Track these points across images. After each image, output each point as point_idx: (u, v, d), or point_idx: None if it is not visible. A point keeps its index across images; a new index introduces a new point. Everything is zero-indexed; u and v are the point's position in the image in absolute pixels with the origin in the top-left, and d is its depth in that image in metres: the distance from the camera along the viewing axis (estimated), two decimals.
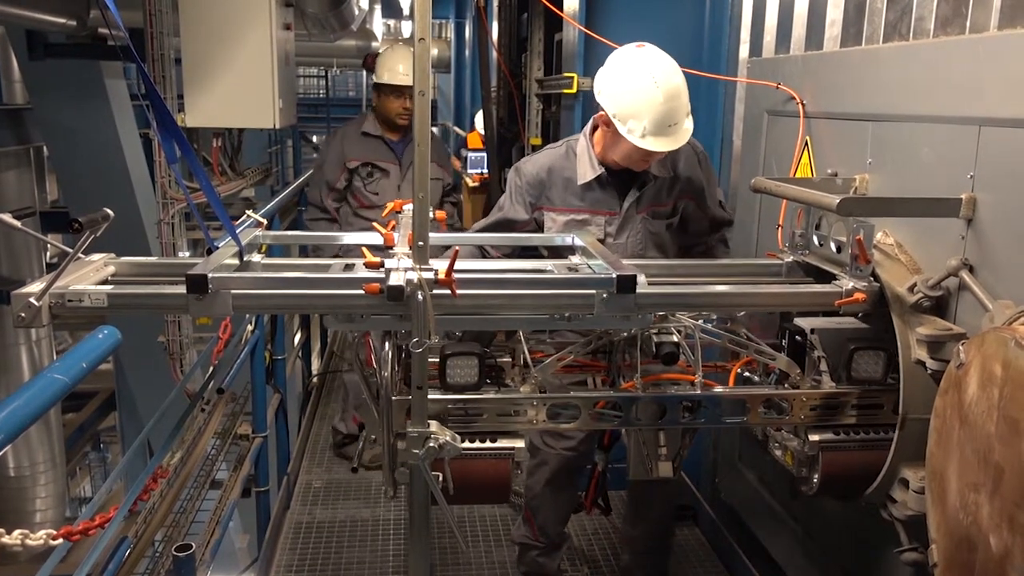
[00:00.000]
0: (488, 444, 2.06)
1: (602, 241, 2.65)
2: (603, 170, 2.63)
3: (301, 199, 5.98)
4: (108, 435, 12.68)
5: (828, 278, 2.18)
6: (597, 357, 2.30)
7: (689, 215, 2.81)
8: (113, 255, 2.13)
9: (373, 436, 2.12)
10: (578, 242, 2.33)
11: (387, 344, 2.06)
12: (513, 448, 2.06)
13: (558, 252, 2.54)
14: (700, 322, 2.20)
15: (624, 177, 2.68)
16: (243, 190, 5.23)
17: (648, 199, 2.69)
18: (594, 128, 2.68)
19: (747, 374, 2.27)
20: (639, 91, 2.45)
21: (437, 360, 2.07)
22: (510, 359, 2.23)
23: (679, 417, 2.14)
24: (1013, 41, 1.83)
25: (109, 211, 1.87)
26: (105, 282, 2.01)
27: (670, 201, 2.74)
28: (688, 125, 2.52)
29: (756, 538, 3.16)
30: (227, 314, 1.93)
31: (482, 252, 2.73)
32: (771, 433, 2.29)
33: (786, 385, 2.16)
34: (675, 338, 2.15)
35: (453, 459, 2.00)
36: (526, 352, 2.23)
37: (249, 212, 2.58)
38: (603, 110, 2.54)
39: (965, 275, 1.92)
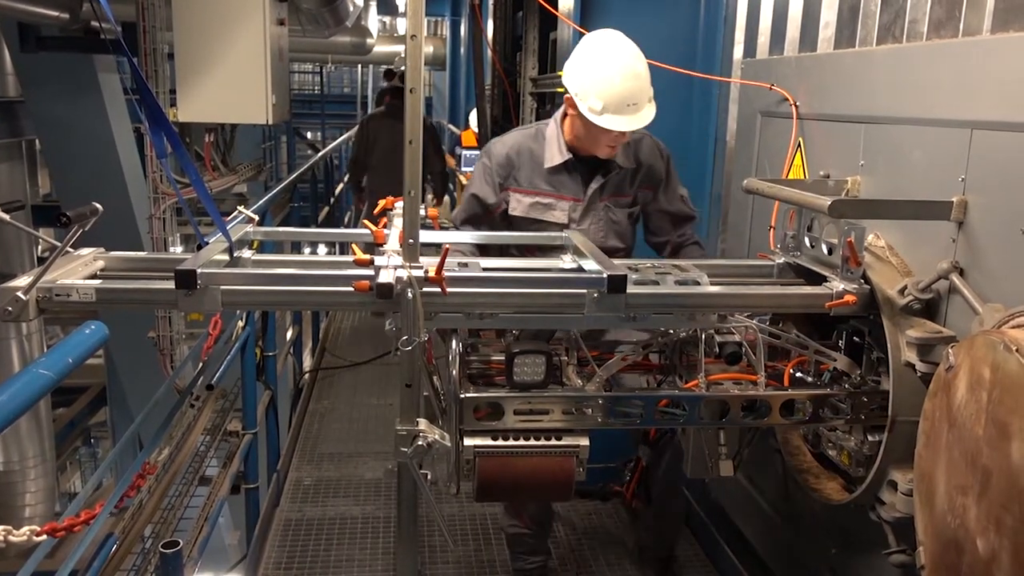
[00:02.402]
0: (554, 442, 2.08)
1: (566, 225, 2.69)
2: (570, 155, 2.67)
3: (294, 195, 5.96)
4: (99, 430, 12.63)
5: (819, 280, 2.18)
6: (649, 356, 2.32)
7: (648, 207, 2.83)
8: (103, 250, 2.12)
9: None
10: (571, 241, 2.32)
11: (454, 342, 2.07)
12: (578, 446, 2.09)
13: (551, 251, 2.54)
14: (755, 321, 2.22)
15: (590, 165, 2.72)
16: (235, 186, 5.22)
17: (611, 188, 2.73)
18: (564, 115, 2.70)
19: (799, 374, 2.28)
20: (598, 69, 2.51)
21: (501, 358, 2.12)
22: (566, 357, 2.25)
23: (741, 416, 2.16)
24: (1006, 44, 1.83)
25: (98, 205, 1.86)
26: (94, 276, 2.00)
27: (631, 192, 2.78)
28: (650, 110, 2.54)
29: (746, 539, 3.16)
30: (216, 310, 1.92)
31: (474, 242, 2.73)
32: (824, 433, 2.30)
33: (846, 385, 2.16)
34: (737, 338, 2.17)
35: (520, 456, 2.05)
36: (586, 351, 2.25)
37: (240, 208, 2.57)
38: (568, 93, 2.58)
39: (955, 278, 1.92)
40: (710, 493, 3.49)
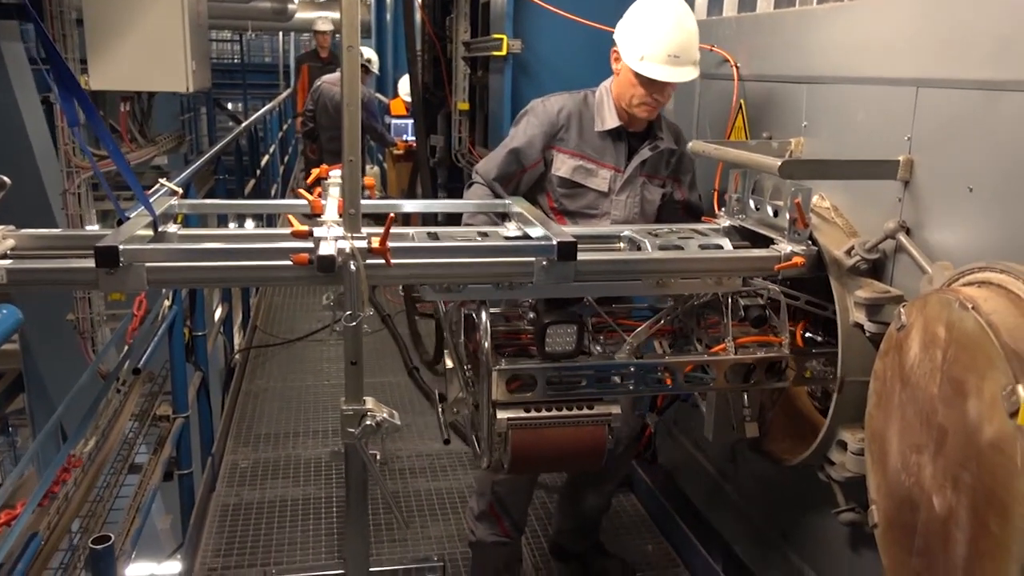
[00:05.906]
0: (585, 411, 2.07)
1: (605, 194, 2.64)
2: (621, 123, 2.61)
3: (218, 167, 5.72)
4: (17, 418, 12.09)
5: (766, 242, 2.17)
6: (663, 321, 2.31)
7: (671, 196, 2.78)
8: (13, 228, 1.96)
9: (455, 408, 2.13)
10: (515, 209, 2.26)
11: (483, 314, 2.03)
12: (610, 414, 2.08)
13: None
14: (775, 285, 2.21)
15: (636, 139, 2.67)
16: (155, 158, 4.98)
17: (651, 165, 2.68)
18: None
19: (808, 335, 2.29)
20: (645, 19, 2.49)
21: (531, 329, 2.12)
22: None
23: (764, 378, 2.17)
24: (950, 0, 1.82)
25: (5, 178, 1.71)
26: (4, 256, 1.85)
27: (664, 175, 2.73)
28: (691, 71, 2.48)
29: (693, 503, 3.18)
30: (141, 289, 1.79)
31: (495, 193, 2.64)
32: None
33: None
34: (760, 300, 2.17)
35: (550, 427, 2.04)
36: (607, 317, 2.23)
37: (162, 180, 2.43)
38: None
39: (902, 237, 1.93)
40: (656, 459, 3.50)
